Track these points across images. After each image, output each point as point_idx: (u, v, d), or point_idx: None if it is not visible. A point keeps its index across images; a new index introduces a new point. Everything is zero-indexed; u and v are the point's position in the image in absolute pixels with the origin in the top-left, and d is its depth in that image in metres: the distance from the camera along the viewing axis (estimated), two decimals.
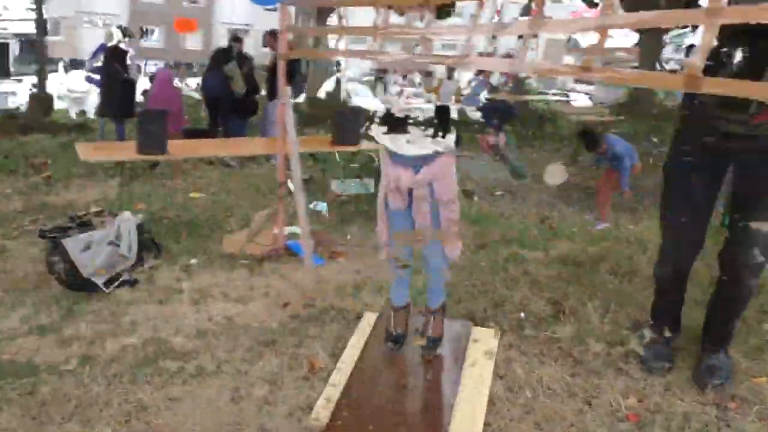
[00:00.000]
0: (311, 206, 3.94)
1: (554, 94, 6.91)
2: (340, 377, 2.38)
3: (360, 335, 2.65)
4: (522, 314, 2.80)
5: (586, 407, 2.25)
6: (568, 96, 9.06)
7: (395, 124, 2.21)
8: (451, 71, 2.25)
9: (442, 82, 2.25)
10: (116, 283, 3.09)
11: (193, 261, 3.34)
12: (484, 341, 2.63)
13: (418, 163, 2.20)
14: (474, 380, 2.40)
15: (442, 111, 2.21)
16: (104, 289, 3.05)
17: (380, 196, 2.38)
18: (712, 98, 2.00)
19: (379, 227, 2.41)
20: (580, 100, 8.84)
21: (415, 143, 2.19)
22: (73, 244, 3.03)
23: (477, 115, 5.26)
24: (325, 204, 3.94)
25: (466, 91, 5.56)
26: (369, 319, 2.76)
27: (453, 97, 2.27)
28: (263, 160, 4.61)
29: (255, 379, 2.38)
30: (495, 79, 5.85)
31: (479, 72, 5.55)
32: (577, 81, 10.83)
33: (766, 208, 2.18)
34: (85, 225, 3.15)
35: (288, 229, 3.51)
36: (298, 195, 3.20)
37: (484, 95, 5.22)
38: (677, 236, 2.39)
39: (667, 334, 2.53)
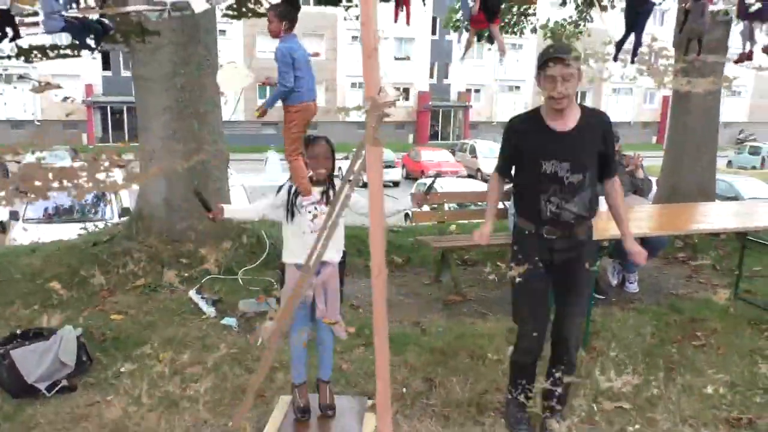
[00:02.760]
0: (222, 322, 4.60)
1: None
2: None
3: (279, 412, 3.32)
4: (404, 389, 3.62)
5: None
6: None
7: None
8: None
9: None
10: (57, 388, 3.53)
11: (123, 369, 3.85)
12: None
13: (317, 269, 2.97)
14: None
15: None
16: (46, 393, 3.48)
17: (285, 295, 3.18)
18: (539, 228, 2.99)
19: (278, 315, 3.20)
20: None
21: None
22: (19, 354, 3.48)
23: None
24: (234, 319, 4.61)
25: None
26: (285, 399, 3.44)
27: None
28: (175, 287, 5.22)
29: None
30: None
31: None
32: None
33: (580, 300, 3.11)
34: (30, 337, 3.61)
35: None
36: None
37: (66, 13, 4.11)
38: (526, 329, 3.14)
39: (524, 401, 3.28)
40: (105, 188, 2.22)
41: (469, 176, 23.76)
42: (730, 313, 4.87)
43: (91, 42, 4.38)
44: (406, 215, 12.71)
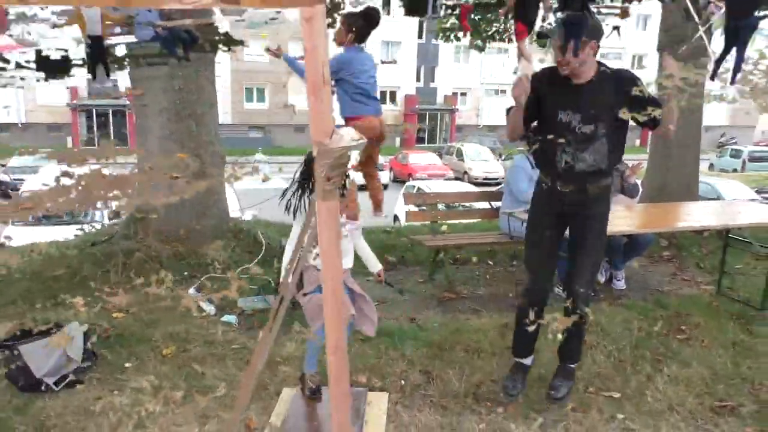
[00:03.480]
0: (222, 319, 4.70)
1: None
2: None
3: (282, 404, 3.44)
4: (402, 381, 3.75)
5: None
6: None
7: None
8: None
9: None
10: (64, 383, 3.61)
11: (127, 365, 3.94)
12: (378, 400, 3.52)
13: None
14: (373, 424, 3.27)
15: None
16: (54, 387, 3.57)
17: (315, 300, 3.22)
18: (555, 181, 3.20)
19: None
20: None
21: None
22: (28, 349, 3.56)
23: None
24: (234, 316, 4.72)
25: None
26: (287, 392, 3.55)
27: None
28: (174, 285, 5.30)
29: None
30: None
31: None
32: None
33: (590, 253, 3.26)
34: (38, 333, 3.69)
35: None
36: None
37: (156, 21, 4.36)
38: (534, 275, 3.41)
39: (526, 362, 3.55)
40: (152, 201, 2.26)
41: (457, 179, 23.97)
42: (713, 308, 5.06)
43: (179, 51, 4.57)
44: (396, 217, 12.86)
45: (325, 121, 1.30)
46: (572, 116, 3.09)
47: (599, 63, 3.13)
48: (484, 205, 6.33)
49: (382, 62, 36.91)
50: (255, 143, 32.34)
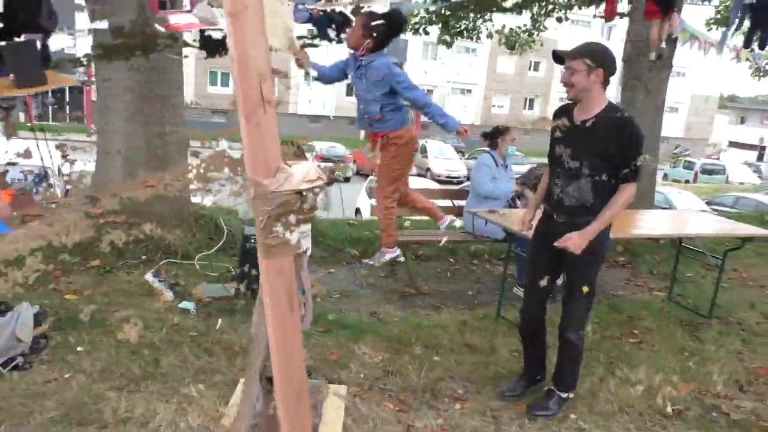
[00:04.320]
0: (180, 306, 4.61)
1: None
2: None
3: (241, 393, 3.40)
4: (362, 375, 3.75)
5: (411, 429, 3.24)
6: None
7: None
8: None
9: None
10: (12, 365, 3.49)
11: (79, 348, 3.83)
12: (336, 393, 3.51)
13: None
14: (330, 417, 3.26)
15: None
16: (1, 369, 3.44)
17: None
18: (551, 211, 3.32)
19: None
20: None
21: None
22: None
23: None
24: (192, 303, 4.63)
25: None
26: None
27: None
28: (132, 269, 5.19)
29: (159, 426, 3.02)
30: None
31: None
32: None
33: (576, 285, 3.33)
34: None
35: None
36: None
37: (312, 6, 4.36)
38: (524, 296, 3.62)
39: (529, 373, 3.67)
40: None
41: (419, 175, 24.08)
42: (664, 314, 5.22)
43: (331, 32, 4.66)
44: (358, 209, 12.85)
45: (266, 154, 0.95)
46: (564, 150, 3.20)
47: (611, 104, 3.16)
48: (446, 203, 6.36)
49: None
50: (217, 128, 31.78)
